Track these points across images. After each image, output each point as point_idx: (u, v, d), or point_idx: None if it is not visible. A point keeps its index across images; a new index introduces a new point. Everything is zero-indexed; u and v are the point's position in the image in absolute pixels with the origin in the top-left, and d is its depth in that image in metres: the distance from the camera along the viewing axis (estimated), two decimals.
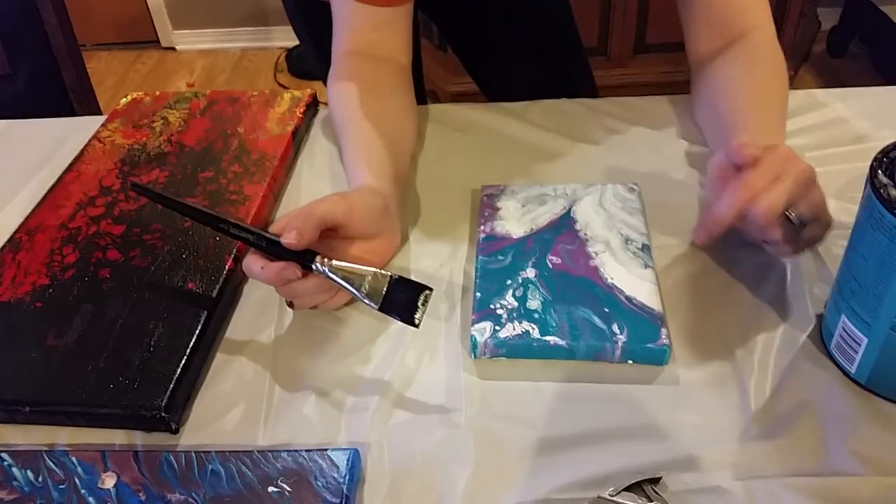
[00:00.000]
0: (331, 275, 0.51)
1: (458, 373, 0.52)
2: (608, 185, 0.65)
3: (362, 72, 0.70)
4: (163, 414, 0.49)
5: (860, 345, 0.48)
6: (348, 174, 0.64)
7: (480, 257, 0.59)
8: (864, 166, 0.46)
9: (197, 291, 0.57)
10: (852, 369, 0.49)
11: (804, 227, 0.52)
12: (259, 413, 0.51)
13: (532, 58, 0.95)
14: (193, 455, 0.47)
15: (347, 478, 0.45)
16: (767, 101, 0.65)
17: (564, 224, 0.61)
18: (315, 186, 0.72)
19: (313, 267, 0.52)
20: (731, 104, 0.65)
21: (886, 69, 2.21)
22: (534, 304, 0.54)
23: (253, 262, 0.52)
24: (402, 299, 0.50)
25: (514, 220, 0.62)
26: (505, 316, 0.53)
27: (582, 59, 1.00)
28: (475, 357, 0.53)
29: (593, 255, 0.58)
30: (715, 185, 0.57)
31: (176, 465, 0.46)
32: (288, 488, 0.44)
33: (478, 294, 0.55)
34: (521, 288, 0.55)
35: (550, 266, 0.57)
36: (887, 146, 0.46)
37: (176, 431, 0.50)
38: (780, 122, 0.65)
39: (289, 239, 0.51)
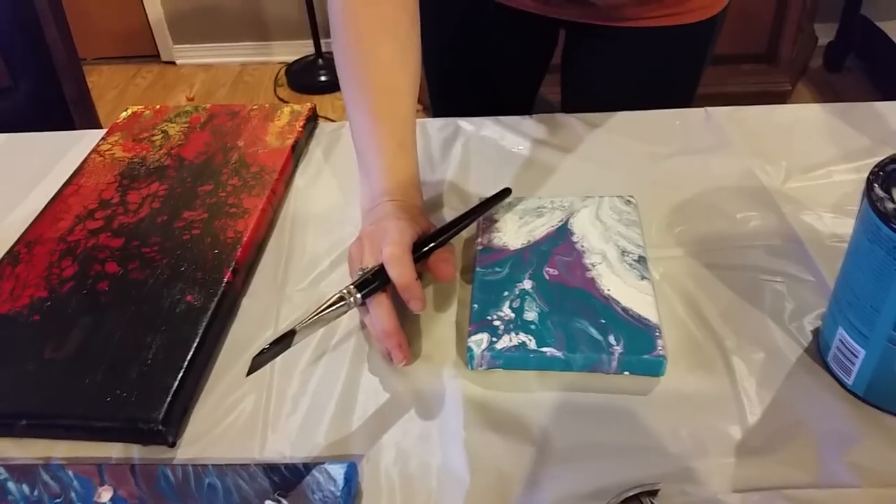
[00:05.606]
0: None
1: (455, 384, 0.52)
2: (605, 197, 0.65)
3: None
4: (160, 427, 0.49)
5: (857, 357, 0.48)
6: (369, 151, 0.62)
7: (478, 269, 0.59)
8: (861, 180, 0.46)
9: (195, 304, 0.57)
10: (850, 381, 0.49)
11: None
12: (256, 426, 0.51)
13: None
14: (190, 468, 0.47)
15: (344, 491, 0.45)
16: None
17: (561, 236, 0.61)
18: (314, 200, 0.72)
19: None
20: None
21: (882, 84, 2.22)
22: (531, 315, 0.54)
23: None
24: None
25: (512, 232, 0.62)
26: (502, 327, 0.53)
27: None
28: (472, 368, 0.53)
29: (590, 266, 0.58)
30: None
31: (173, 479, 0.46)
32: (285, 502, 0.44)
33: (475, 305, 0.56)
34: (518, 299, 0.55)
35: (547, 278, 0.57)
36: (883, 160, 0.46)
37: (173, 445, 0.50)
38: None
39: (417, 308, 0.54)
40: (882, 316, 0.45)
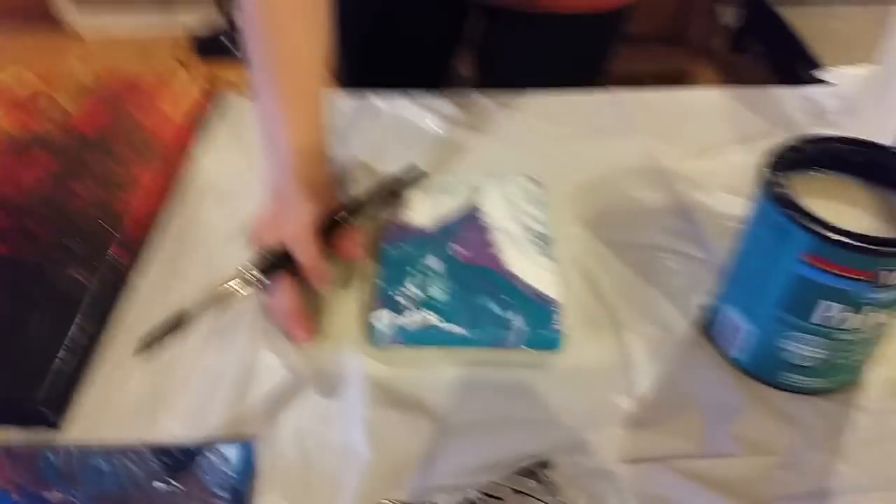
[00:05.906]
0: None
1: (357, 362, 0.52)
2: (512, 176, 0.65)
3: None
4: (41, 407, 0.46)
5: (742, 332, 0.50)
6: (276, 127, 0.61)
7: (384, 245, 0.58)
8: (755, 162, 0.47)
9: (80, 280, 0.54)
10: (735, 356, 0.52)
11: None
12: (146, 406, 0.49)
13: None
14: (75, 450, 0.45)
15: (240, 472, 0.43)
16: None
17: (468, 214, 0.61)
18: (215, 173, 0.70)
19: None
20: None
21: (781, 68, 2.32)
22: (435, 292, 0.54)
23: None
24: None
25: (419, 210, 0.62)
26: (406, 304, 0.53)
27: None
28: (375, 346, 0.53)
29: (495, 244, 0.58)
30: None
31: (55, 462, 0.44)
32: (176, 484, 0.43)
33: (379, 282, 0.55)
34: (423, 276, 0.55)
35: (452, 255, 0.57)
36: (778, 146, 0.48)
37: (56, 426, 0.47)
38: None
39: (324, 289, 0.55)
40: (767, 294, 0.47)
